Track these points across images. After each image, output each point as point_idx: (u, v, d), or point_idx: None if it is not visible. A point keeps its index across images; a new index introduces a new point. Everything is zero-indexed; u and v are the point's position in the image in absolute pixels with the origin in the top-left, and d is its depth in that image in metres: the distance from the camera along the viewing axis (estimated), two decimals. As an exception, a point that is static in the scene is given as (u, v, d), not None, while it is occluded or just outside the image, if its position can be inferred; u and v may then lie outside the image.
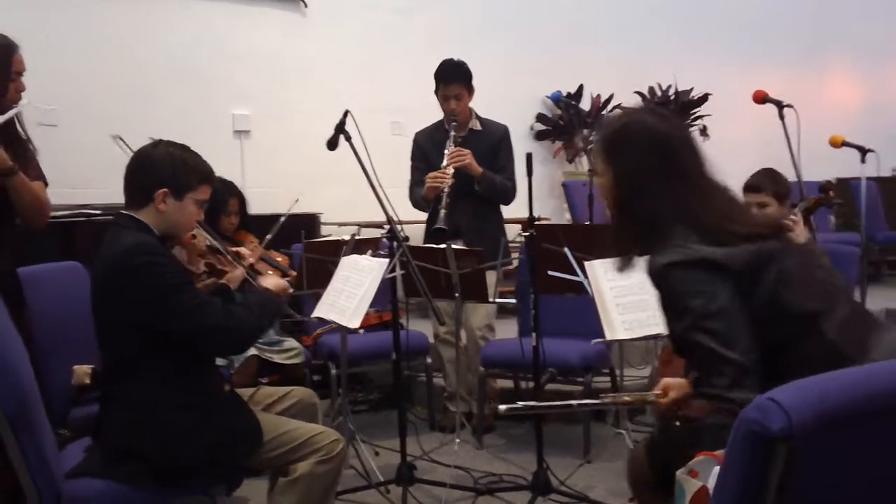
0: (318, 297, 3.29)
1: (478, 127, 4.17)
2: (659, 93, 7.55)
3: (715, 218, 1.85)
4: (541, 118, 7.28)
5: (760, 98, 3.87)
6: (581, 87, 7.22)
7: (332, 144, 3.31)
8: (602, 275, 2.58)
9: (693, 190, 1.90)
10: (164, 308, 2.23)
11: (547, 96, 7.22)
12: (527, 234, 2.98)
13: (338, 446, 2.39)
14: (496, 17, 7.06)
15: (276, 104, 6.21)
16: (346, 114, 3.27)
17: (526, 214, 3.05)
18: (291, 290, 2.61)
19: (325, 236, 5.76)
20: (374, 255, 3.05)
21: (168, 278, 2.25)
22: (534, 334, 3.01)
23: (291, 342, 3.87)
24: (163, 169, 2.35)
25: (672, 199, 1.90)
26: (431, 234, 3.83)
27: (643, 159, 1.94)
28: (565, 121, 7.24)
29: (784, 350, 1.79)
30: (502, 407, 2.02)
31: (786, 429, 1.09)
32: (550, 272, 2.85)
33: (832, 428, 1.12)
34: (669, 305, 1.86)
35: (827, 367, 1.70)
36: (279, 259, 3.77)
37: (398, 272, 2.92)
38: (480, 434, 4.01)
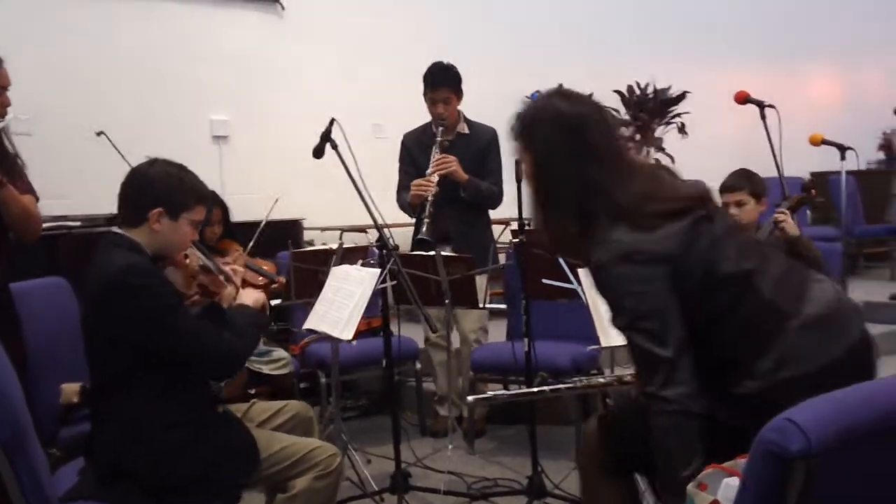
0: (308, 306, 3.28)
1: (466, 130, 4.14)
2: (637, 91, 7.57)
3: (635, 199, 1.86)
4: (520, 118, 7.27)
5: (742, 98, 3.88)
6: (560, 87, 7.21)
7: (318, 153, 3.29)
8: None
9: (608, 171, 1.90)
10: (157, 330, 2.20)
11: (527, 97, 7.20)
12: (517, 240, 2.97)
13: (335, 461, 2.37)
14: (475, 19, 7.05)
15: (255, 108, 6.16)
16: (332, 122, 3.25)
17: (510, 214, 3.04)
18: (273, 303, 2.59)
19: (308, 241, 5.74)
20: (364, 265, 3.02)
21: (162, 300, 2.22)
22: (526, 339, 3.01)
23: (280, 352, 3.85)
24: (159, 188, 2.31)
25: (587, 181, 1.89)
26: (416, 243, 3.82)
27: (554, 142, 1.93)
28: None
29: (724, 318, 1.84)
30: (470, 398, 2.06)
31: (804, 449, 1.09)
32: (545, 280, 2.84)
33: (849, 444, 1.13)
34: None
35: (766, 326, 1.81)
36: (265, 267, 3.73)
37: (389, 283, 2.89)
38: (472, 438, 4.01)
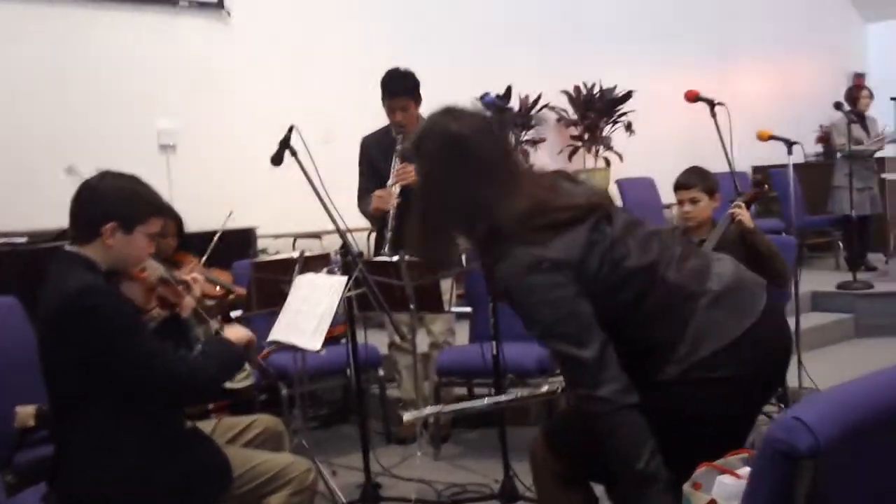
0: (271, 317, 3.21)
1: None
2: (584, 91, 7.64)
3: (523, 215, 1.87)
4: (470, 120, 7.27)
5: (693, 97, 3.93)
6: (509, 88, 7.24)
7: (276, 160, 3.24)
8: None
9: (496, 189, 1.92)
10: (112, 353, 2.11)
11: (478, 98, 7.19)
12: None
13: (310, 476, 2.32)
14: (422, 23, 7.01)
15: (203, 116, 6.02)
16: (291, 129, 3.20)
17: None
18: (233, 315, 2.51)
19: (262, 250, 5.65)
20: (329, 273, 2.98)
21: (116, 321, 2.13)
22: (493, 342, 2.99)
23: (241, 364, 3.76)
24: (110, 202, 2.23)
25: (473, 200, 1.92)
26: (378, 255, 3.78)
27: (439, 161, 1.97)
28: (495, 122, 7.24)
29: (637, 309, 1.88)
30: (407, 415, 2.10)
31: (813, 447, 1.09)
32: None
33: (856, 440, 1.13)
34: (521, 315, 1.91)
35: (678, 310, 1.87)
36: (222, 278, 3.65)
37: (355, 290, 2.85)
38: (438, 444, 3.98)
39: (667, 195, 7.09)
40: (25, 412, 2.71)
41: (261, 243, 5.71)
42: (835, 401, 1.14)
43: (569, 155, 7.72)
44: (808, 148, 8.46)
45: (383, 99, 4.02)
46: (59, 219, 4.44)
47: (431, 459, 3.91)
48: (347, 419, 4.62)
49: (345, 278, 2.76)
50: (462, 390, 4.37)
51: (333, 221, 2.99)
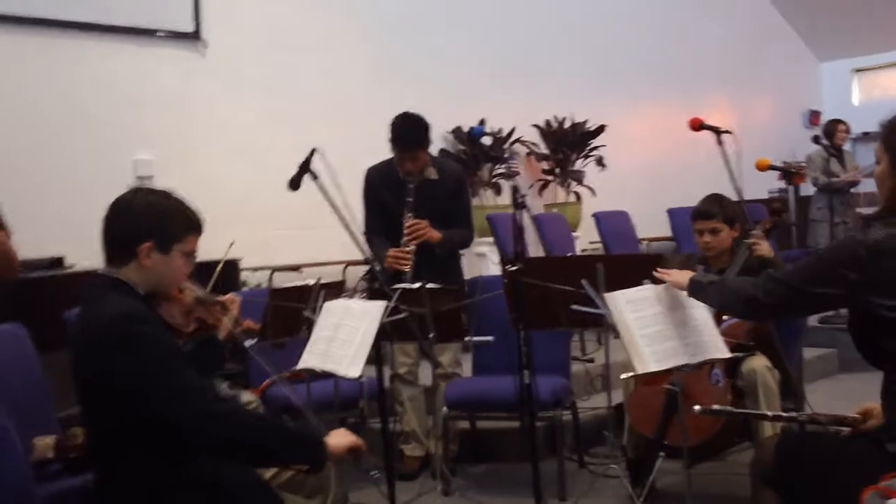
0: (280, 346, 3.10)
1: (434, 176, 3.99)
2: (556, 125, 7.72)
3: None
4: (443, 153, 7.26)
5: (697, 125, 3.94)
6: (483, 122, 7.26)
7: (294, 184, 3.16)
8: (624, 306, 2.54)
9: None
10: (148, 383, 1.98)
11: (471, 128, 7.16)
12: (514, 268, 2.91)
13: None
14: (397, 56, 7.03)
15: (179, 147, 5.90)
16: (312, 152, 3.13)
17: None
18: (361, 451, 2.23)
19: (242, 282, 5.51)
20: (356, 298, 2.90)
21: (157, 350, 2.02)
22: (526, 371, 2.94)
23: (248, 395, 3.62)
24: (145, 220, 2.12)
25: None
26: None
27: None
28: (469, 155, 7.25)
29: None
30: (697, 408, 2.08)
31: None
32: (574, 306, 2.79)
33: None
34: None
35: None
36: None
37: (396, 316, 2.77)
38: (448, 478, 3.87)
39: (641, 228, 7.19)
40: (43, 443, 2.57)
41: (241, 276, 5.57)
42: None
43: (539, 189, 7.76)
44: (771, 184, 8.67)
45: (393, 147, 3.92)
46: (37, 248, 4.26)
47: (441, 495, 3.81)
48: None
49: (382, 304, 2.68)
50: (464, 424, 4.28)
51: (361, 249, 2.92)
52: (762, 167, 4.27)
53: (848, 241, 2.00)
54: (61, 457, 2.58)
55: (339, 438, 2.14)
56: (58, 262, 3.97)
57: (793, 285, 2.06)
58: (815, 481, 1.99)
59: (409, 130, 3.88)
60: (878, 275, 1.91)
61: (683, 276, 2.51)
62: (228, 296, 2.51)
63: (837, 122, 6.63)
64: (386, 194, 3.95)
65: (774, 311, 2.27)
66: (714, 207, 3.50)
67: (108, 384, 2.01)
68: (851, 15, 9.73)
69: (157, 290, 2.23)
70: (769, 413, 2.29)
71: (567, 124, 7.69)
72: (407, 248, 3.77)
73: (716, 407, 2.12)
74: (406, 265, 3.72)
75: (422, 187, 3.90)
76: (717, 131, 3.83)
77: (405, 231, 3.81)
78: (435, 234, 3.85)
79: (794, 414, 2.19)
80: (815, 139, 6.21)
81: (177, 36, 5.96)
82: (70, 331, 2.14)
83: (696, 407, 2.07)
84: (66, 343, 3.22)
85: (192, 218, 2.24)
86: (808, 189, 7.76)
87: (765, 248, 3.37)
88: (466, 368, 4.25)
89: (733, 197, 3.55)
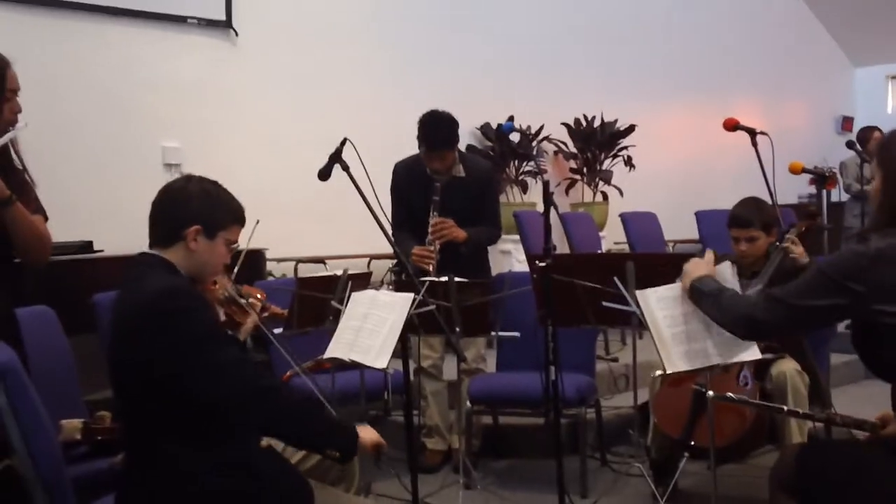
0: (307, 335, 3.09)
1: (461, 173, 3.97)
2: (584, 124, 7.67)
3: None
4: (471, 150, 7.23)
5: (732, 125, 3.89)
6: (511, 118, 7.23)
7: (324, 174, 3.14)
8: (655, 304, 2.51)
9: None
10: (190, 360, 2.00)
11: (499, 124, 7.14)
12: (543, 264, 2.89)
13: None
14: (426, 49, 7.01)
15: (208, 136, 5.92)
16: (343, 142, 3.12)
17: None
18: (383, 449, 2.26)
19: (268, 272, 5.51)
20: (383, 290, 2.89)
21: (203, 327, 2.04)
22: (552, 368, 2.92)
23: (272, 385, 3.63)
24: (197, 204, 2.16)
25: None
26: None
27: None
28: (496, 152, 7.22)
29: None
30: (710, 393, 2.21)
31: None
32: (605, 303, 2.76)
33: None
34: None
35: None
36: (258, 294, 3.53)
37: (423, 308, 2.76)
38: (471, 472, 3.85)
39: (668, 230, 7.13)
40: (71, 425, 2.57)
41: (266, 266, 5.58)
42: None
43: (566, 188, 7.72)
44: (801, 189, 8.57)
45: (421, 145, 3.91)
46: (63, 233, 4.28)
47: (464, 488, 3.79)
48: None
49: (410, 295, 2.67)
50: (487, 419, 4.27)
51: (390, 242, 2.90)
52: (795, 170, 4.21)
53: (849, 253, 2.02)
54: (88, 439, 2.59)
55: (367, 433, 2.19)
56: (87, 246, 3.98)
57: (792, 303, 2.06)
58: (835, 490, 1.98)
59: (437, 130, 3.86)
60: (882, 282, 1.93)
61: (696, 269, 2.47)
62: (257, 295, 2.51)
63: (872, 128, 6.55)
64: (412, 191, 3.94)
65: (775, 329, 2.26)
66: (752, 214, 3.45)
67: (150, 361, 2.00)
68: (889, 19, 9.58)
69: (197, 275, 2.24)
70: (784, 407, 2.25)
71: (596, 123, 7.64)
72: (431, 247, 3.75)
73: (729, 395, 2.11)
74: (430, 264, 3.70)
75: (449, 185, 3.88)
76: (752, 132, 3.79)
77: (430, 230, 3.80)
78: (460, 233, 3.83)
79: (810, 412, 2.16)
80: (850, 144, 6.12)
81: (207, 24, 5.97)
82: (113, 309, 2.14)
83: (710, 392, 2.06)
84: (93, 327, 3.27)
85: (238, 209, 2.28)
86: (837, 195, 7.68)
87: (799, 252, 3.31)
88: (490, 364, 4.23)
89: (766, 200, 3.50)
